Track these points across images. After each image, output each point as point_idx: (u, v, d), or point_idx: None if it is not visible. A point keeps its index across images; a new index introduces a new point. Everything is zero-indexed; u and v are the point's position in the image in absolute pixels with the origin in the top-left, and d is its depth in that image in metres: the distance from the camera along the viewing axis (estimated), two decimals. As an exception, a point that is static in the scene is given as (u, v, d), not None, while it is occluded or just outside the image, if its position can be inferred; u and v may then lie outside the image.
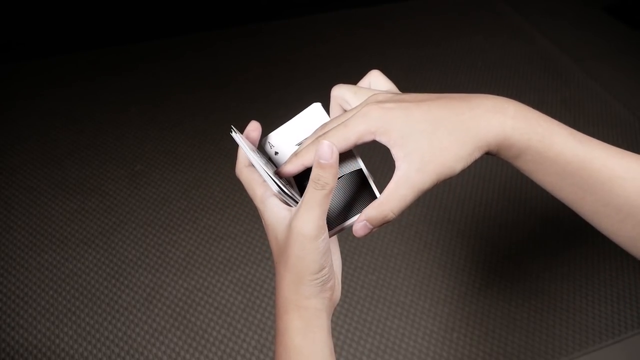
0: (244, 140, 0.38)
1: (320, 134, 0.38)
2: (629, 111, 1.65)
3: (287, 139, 0.42)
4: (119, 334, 1.09)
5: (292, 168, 0.38)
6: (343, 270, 1.20)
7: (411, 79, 1.76)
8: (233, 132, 0.39)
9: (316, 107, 0.42)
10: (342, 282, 1.17)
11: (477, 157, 0.35)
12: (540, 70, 1.82)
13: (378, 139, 0.35)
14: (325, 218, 0.35)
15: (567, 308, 1.15)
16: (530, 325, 1.11)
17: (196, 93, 1.70)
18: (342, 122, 0.36)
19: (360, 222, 0.36)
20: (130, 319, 1.11)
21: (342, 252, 1.23)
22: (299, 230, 0.34)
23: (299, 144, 0.42)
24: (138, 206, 1.34)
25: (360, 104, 0.37)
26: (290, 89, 1.71)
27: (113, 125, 1.58)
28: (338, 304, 1.14)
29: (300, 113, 0.42)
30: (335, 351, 1.06)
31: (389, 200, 0.35)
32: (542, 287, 1.19)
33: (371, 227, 0.36)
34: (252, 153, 0.37)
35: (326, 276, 0.36)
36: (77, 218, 1.31)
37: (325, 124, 0.39)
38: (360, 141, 0.35)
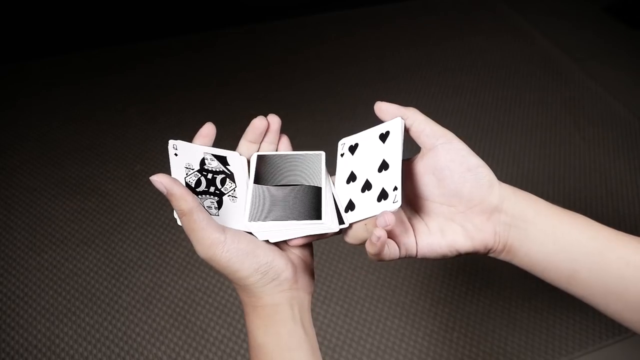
0: (172, 159, 0.39)
1: None
2: (629, 111, 1.65)
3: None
4: (119, 334, 1.09)
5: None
6: (343, 268, 1.20)
7: (411, 79, 1.76)
8: (170, 146, 0.39)
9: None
10: (339, 279, 1.17)
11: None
12: (540, 70, 1.82)
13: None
14: (213, 231, 0.35)
15: (567, 308, 1.15)
16: (530, 325, 1.11)
17: (196, 93, 1.70)
18: None
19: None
20: (130, 319, 1.11)
21: (342, 252, 1.23)
22: (200, 257, 0.36)
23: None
24: (138, 206, 1.34)
25: None
26: (290, 89, 1.71)
27: (113, 125, 1.58)
28: (338, 304, 1.14)
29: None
30: (335, 351, 1.06)
31: None
32: (542, 287, 1.19)
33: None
34: (178, 171, 0.38)
35: (268, 273, 0.37)
36: (77, 218, 1.31)
37: None
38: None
